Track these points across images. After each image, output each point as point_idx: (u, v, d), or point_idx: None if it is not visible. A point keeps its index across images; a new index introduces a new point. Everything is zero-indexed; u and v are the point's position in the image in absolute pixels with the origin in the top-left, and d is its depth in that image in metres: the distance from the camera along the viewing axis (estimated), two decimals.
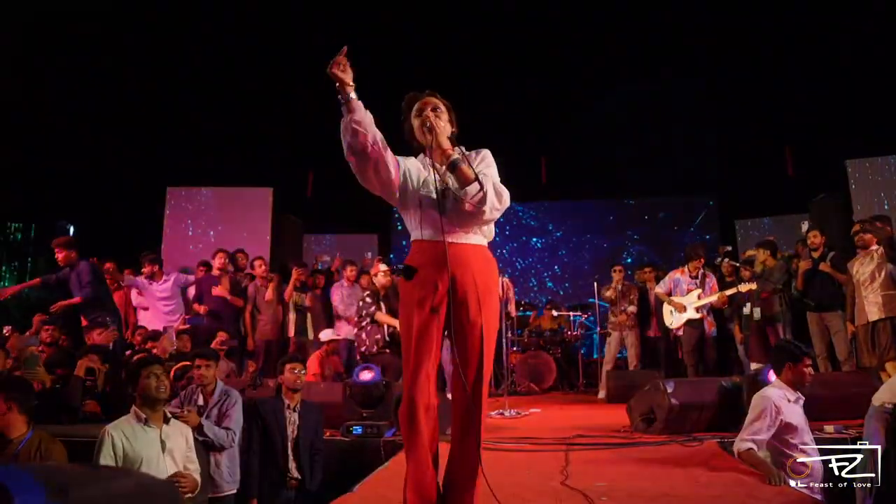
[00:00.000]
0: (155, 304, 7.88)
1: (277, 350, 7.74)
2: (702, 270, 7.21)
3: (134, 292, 8.07)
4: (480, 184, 2.49)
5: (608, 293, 8.41)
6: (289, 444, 4.25)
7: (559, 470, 3.84)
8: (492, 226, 2.76)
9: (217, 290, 7.55)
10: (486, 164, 2.66)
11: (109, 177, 8.71)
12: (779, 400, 3.79)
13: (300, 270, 8.02)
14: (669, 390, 4.87)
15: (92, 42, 8.42)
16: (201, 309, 7.59)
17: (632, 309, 8.11)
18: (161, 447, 3.46)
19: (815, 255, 6.62)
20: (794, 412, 3.76)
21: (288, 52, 8.93)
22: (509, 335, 9.59)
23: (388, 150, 2.53)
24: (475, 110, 10.61)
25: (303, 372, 4.36)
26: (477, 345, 2.54)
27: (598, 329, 9.13)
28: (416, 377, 2.58)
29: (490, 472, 3.89)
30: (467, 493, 2.56)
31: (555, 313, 9.98)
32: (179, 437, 3.63)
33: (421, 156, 2.74)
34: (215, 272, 7.82)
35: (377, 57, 9.24)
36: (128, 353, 6.06)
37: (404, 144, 2.76)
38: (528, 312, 10.45)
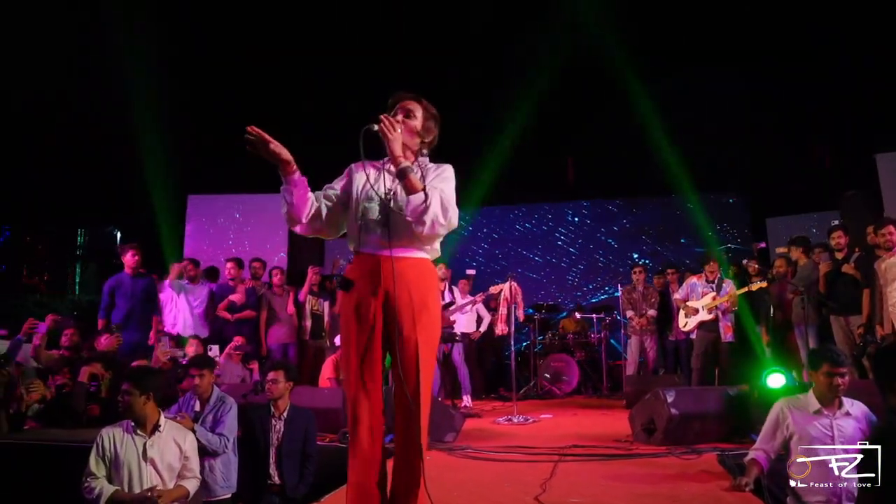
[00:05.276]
0: (185, 309, 8.01)
1: (294, 353, 7.84)
2: (719, 276, 6.95)
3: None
4: (426, 195, 2.42)
5: (632, 295, 8.23)
6: (271, 450, 4.28)
7: (540, 483, 3.75)
8: (436, 244, 2.67)
9: (222, 312, 7.65)
10: (440, 179, 2.57)
11: (136, 184, 8.97)
12: (791, 408, 3.51)
13: (315, 270, 8.08)
14: (669, 400, 4.71)
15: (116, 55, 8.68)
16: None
17: (651, 312, 7.90)
18: (142, 455, 3.52)
19: (840, 255, 6.30)
20: (815, 425, 3.41)
21: (301, 57, 9.01)
22: (533, 337, 9.52)
23: (323, 202, 2.67)
24: (502, 110, 10.58)
25: (278, 380, 4.37)
26: (413, 360, 2.48)
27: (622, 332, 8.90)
28: (358, 395, 2.55)
29: (468, 482, 3.89)
30: None
31: (578, 315, 9.82)
32: (170, 444, 3.66)
33: (383, 160, 2.67)
34: (230, 283, 7.93)
35: (403, 55, 9.28)
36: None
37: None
38: (553, 314, 10.30)
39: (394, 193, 2.56)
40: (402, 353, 2.51)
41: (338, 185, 2.74)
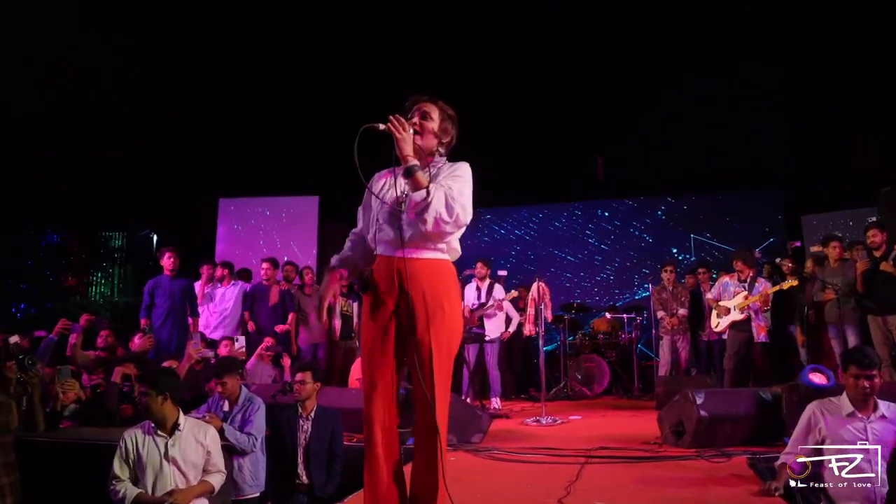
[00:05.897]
0: (215, 310, 8.12)
1: (324, 354, 7.90)
2: (752, 275, 6.80)
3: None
4: (428, 192, 2.42)
5: (662, 295, 8.11)
6: (299, 450, 4.32)
7: (565, 485, 3.71)
8: (454, 243, 2.66)
9: (280, 327, 7.71)
10: (450, 176, 2.56)
11: (168, 188, 9.17)
12: (822, 409, 3.44)
13: (344, 273, 8.10)
14: (699, 401, 4.61)
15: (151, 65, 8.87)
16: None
17: (682, 312, 7.77)
18: (164, 456, 3.57)
19: (877, 253, 6.11)
20: (848, 429, 3.32)
21: (333, 64, 9.09)
22: (563, 338, 9.43)
23: (359, 235, 2.84)
24: (530, 108, 10.52)
25: (306, 381, 4.40)
26: (426, 361, 2.48)
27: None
28: (371, 395, 2.56)
29: (492, 484, 3.88)
30: None
31: (608, 316, 9.71)
32: (191, 443, 3.69)
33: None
34: (264, 282, 8.02)
35: (430, 55, 9.31)
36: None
37: None
38: (579, 314, 10.18)
39: (406, 195, 2.55)
40: (416, 355, 2.51)
41: (363, 203, 2.79)
